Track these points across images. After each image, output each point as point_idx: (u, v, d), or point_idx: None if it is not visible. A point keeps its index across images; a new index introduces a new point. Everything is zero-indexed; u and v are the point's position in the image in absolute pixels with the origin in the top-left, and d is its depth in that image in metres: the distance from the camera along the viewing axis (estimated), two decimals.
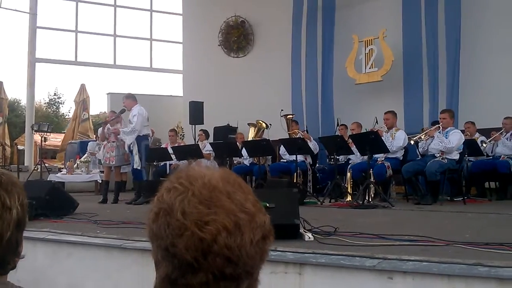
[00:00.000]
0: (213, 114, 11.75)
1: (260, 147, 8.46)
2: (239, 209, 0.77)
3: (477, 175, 7.72)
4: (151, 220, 0.81)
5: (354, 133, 8.18)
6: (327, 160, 8.85)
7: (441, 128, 7.14)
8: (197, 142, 10.17)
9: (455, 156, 7.02)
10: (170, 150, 9.34)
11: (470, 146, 7.52)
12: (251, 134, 9.98)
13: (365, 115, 9.15)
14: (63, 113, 31.59)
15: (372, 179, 6.95)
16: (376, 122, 8.11)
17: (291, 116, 9.25)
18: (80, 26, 14.65)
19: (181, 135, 13.35)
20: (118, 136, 8.14)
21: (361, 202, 6.66)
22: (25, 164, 13.89)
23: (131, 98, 8.24)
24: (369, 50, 10.16)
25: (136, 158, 7.94)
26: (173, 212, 0.77)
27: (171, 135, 10.37)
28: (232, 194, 0.79)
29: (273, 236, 0.82)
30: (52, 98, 30.84)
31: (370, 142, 6.91)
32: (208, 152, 9.67)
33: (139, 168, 8.00)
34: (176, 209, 0.77)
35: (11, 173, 1.18)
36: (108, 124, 8.41)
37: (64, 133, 20.72)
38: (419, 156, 7.44)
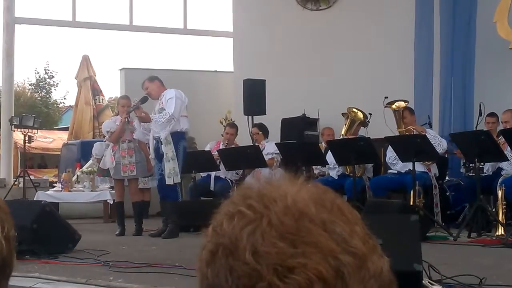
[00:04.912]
0: (280, 98, 11.76)
1: (355, 149, 8.42)
2: (341, 248, 0.78)
3: None
4: (204, 262, 0.82)
5: (507, 126, 8.01)
6: (463, 170, 8.74)
7: None
8: (255, 142, 10.22)
9: None
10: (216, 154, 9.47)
11: None
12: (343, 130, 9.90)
13: None
14: (56, 100, 32.77)
15: None
16: None
17: (402, 104, 9.07)
18: None
19: None
20: (145, 126, 8.16)
21: None
22: (1, 177, 14.43)
23: (158, 82, 8.34)
24: None
25: (170, 165, 8.04)
26: (239, 250, 0.78)
27: (230, 134, 10.25)
28: (330, 225, 0.79)
29: None
30: (41, 77, 32.00)
31: None
32: (270, 155, 9.72)
33: (176, 182, 8.08)
34: (244, 247, 0.78)
35: None
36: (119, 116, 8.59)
37: (61, 129, 21.33)
38: None
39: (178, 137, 8.10)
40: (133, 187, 8.72)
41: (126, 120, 8.47)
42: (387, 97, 9.10)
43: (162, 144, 8.02)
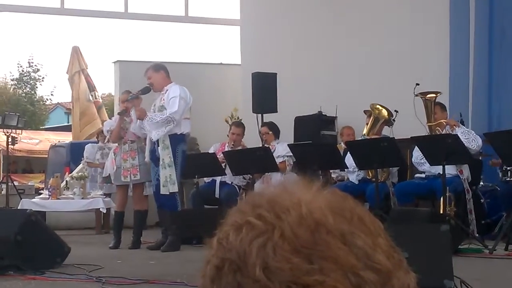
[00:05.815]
0: (293, 94, 11.76)
1: (377, 151, 8.42)
2: (363, 263, 0.78)
3: None
4: (208, 279, 0.82)
5: None
6: (500, 175, 8.71)
7: None
8: (264, 144, 10.21)
9: None
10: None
11: None
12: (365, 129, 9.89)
13: None
14: (43, 97, 32.86)
15: None
16: None
17: (433, 95, 9.06)
18: None
19: None
20: (137, 122, 8.14)
21: None
22: None
23: (163, 72, 8.33)
24: None
25: (166, 173, 8.03)
26: (248, 266, 0.77)
27: (237, 134, 10.24)
28: (350, 237, 0.79)
29: None
30: (25, 71, 32.09)
31: None
32: (282, 158, 9.73)
33: (172, 191, 8.08)
34: (253, 262, 0.77)
35: None
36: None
37: (48, 129, 21.36)
38: None
39: (176, 140, 8.09)
40: (137, 193, 8.67)
41: (124, 112, 8.46)
42: (418, 84, 9.05)
43: (158, 146, 8.03)
